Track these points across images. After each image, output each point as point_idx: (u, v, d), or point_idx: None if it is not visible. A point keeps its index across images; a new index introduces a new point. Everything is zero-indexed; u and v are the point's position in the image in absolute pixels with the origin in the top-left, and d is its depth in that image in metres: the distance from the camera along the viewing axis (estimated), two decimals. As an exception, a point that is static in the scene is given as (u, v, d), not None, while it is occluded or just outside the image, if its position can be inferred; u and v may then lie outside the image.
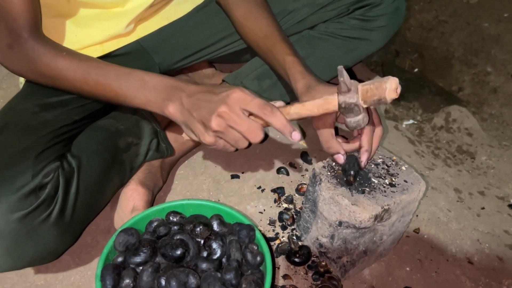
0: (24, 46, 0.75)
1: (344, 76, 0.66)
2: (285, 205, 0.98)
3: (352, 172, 0.77)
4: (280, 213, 0.95)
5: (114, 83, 0.74)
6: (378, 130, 0.80)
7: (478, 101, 1.62)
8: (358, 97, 0.67)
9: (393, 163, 0.83)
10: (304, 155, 1.09)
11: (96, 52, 0.91)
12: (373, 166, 0.82)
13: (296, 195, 1.00)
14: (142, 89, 0.73)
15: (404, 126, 1.38)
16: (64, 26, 0.87)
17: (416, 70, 1.73)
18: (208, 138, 0.69)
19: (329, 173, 0.80)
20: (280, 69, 0.86)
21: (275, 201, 0.98)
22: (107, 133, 0.86)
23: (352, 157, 0.79)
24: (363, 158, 0.78)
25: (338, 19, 1.01)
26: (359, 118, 0.70)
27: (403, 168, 0.82)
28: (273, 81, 1.02)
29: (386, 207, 0.75)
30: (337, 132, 0.82)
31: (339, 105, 0.68)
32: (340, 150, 0.78)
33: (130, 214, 0.83)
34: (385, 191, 0.77)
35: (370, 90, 0.65)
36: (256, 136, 0.67)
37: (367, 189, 0.77)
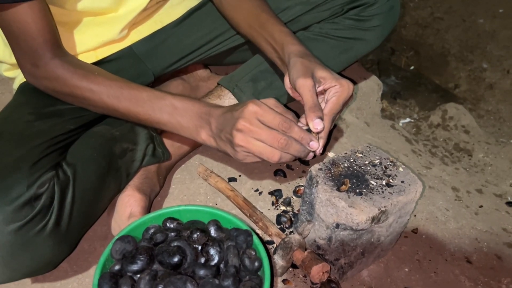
0: (49, 65, 0.76)
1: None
2: (282, 208, 0.97)
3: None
4: (278, 216, 0.95)
5: (146, 106, 0.75)
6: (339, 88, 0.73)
7: (474, 97, 1.62)
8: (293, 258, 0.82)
9: (391, 164, 0.83)
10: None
11: (89, 58, 0.90)
12: (370, 167, 0.82)
13: (294, 197, 1.00)
14: (173, 114, 0.74)
15: (401, 124, 1.38)
16: (59, 34, 0.87)
17: (412, 67, 1.73)
18: (238, 155, 0.69)
19: (325, 175, 0.79)
20: (271, 40, 0.84)
21: (272, 203, 0.98)
22: (102, 139, 0.86)
23: None
24: (321, 144, 0.72)
25: (332, 20, 1.00)
26: (281, 264, 0.81)
27: (400, 169, 0.82)
28: (268, 82, 1.01)
29: (383, 209, 0.74)
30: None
31: (283, 239, 0.82)
32: (321, 113, 0.71)
33: (127, 220, 0.83)
34: (382, 193, 0.77)
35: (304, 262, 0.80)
36: (280, 144, 0.66)
37: (364, 190, 0.77)
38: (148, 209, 0.89)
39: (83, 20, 0.89)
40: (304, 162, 1.08)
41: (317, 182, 0.79)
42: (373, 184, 0.78)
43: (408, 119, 1.43)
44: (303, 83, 0.71)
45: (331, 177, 0.79)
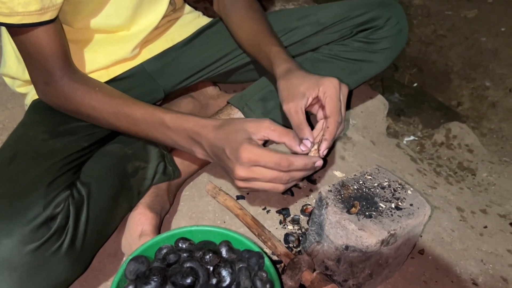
0: (59, 83, 0.78)
1: None
2: (290, 227, 0.98)
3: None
4: (286, 235, 0.95)
5: (142, 125, 0.77)
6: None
7: (477, 115, 1.64)
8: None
9: (399, 186, 0.84)
10: (309, 175, 1.09)
11: (102, 77, 0.91)
12: (379, 189, 0.83)
13: (302, 216, 1.01)
14: (167, 134, 0.75)
15: (405, 142, 1.39)
16: (70, 52, 0.88)
17: (415, 84, 1.75)
18: (239, 185, 0.70)
19: (335, 197, 0.80)
20: (267, 61, 0.86)
21: (280, 222, 0.99)
22: (115, 158, 0.87)
23: None
24: (323, 147, 0.74)
25: (341, 42, 1.02)
26: (289, 284, 0.81)
27: (409, 191, 0.83)
28: (277, 102, 1.02)
29: (392, 232, 0.75)
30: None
31: (292, 259, 0.83)
32: (310, 136, 0.72)
33: (139, 239, 0.83)
34: (391, 215, 0.78)
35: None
36: (282, 181, 0.68)
37: (374, 213, 0.78)
38: (159, 227, 0.90)
39: (95, 38, 0.90)
40: (311, 181, 1.09)
41: (327, 204, 0.80)
42: (382, 207, 0.79)
43: (412, 137, 1.45)
44: (286, 109, 0.75)
45: (341, 199, 0.80)
